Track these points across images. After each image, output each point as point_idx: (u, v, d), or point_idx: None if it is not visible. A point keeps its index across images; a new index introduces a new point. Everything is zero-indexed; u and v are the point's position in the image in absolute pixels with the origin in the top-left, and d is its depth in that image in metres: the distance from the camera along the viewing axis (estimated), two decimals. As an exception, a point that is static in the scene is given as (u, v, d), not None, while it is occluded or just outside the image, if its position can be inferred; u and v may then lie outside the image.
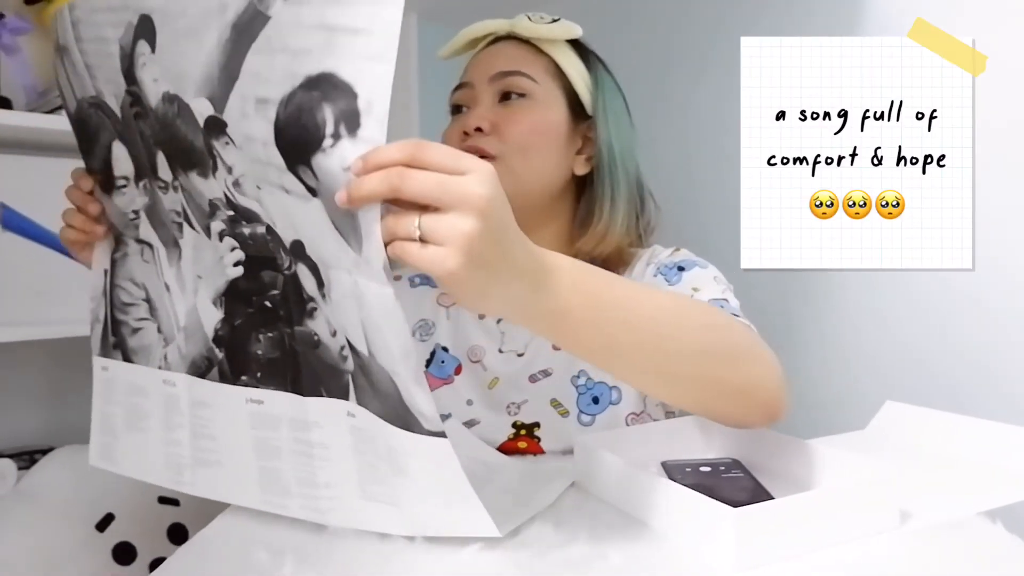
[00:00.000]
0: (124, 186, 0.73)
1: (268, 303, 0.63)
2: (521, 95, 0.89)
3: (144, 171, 0.70)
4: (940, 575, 0.51)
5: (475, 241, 0.48)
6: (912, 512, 0.58)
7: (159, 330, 0.73)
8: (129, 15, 0.63)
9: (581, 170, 0.93)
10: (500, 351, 0.93)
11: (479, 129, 0.86)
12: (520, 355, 0.92)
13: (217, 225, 0.65)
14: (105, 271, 0.78)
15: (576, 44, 0.96)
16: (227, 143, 0.59)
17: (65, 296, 0.87)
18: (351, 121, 0.50)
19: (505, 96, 0.89)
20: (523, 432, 0.87)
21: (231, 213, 0.63)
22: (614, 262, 0.93)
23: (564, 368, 0.89)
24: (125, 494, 1.09)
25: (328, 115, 0.51)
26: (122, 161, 0.72)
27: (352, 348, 0.57)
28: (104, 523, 1.02)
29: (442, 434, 0.53)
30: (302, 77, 0.52)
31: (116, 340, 0.76)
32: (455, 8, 1.74)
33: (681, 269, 0.89)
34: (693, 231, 1.46)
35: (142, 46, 0.63)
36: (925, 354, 1.17)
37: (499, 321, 0.94)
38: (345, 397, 0.59)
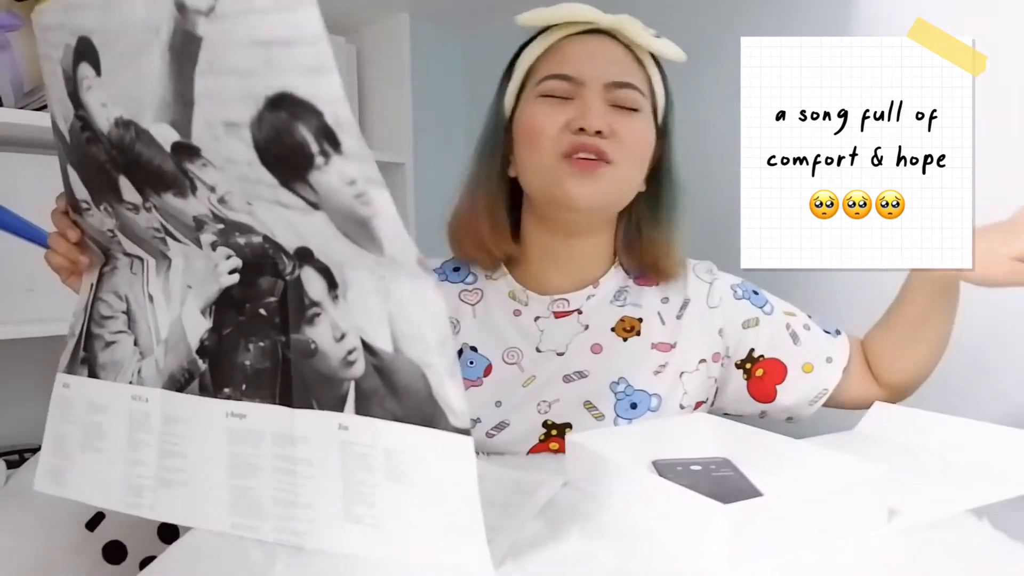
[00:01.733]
0: (88, 208, 0.71)
1: (262, 311, 0.61)
2: (634, 108, 0.88)
3: (102, 195, 0.68)
4: (928, 572, 0.51)
5: None
6: (900, 510, 0.58)
7: (135, 343, 0.70)
8: (66, 36, 0.61)
9: (643, 186, 0.94)
10: (539, 350, 0.92)
11: (598, 132, 0.85)
12: (560, 354, 0.91)
13: (207, 237, 0.63)
14: (91, 285, 0.76)
15: (655, 59, 0.95)
16: (204, 165, 0.57)
17: (54, 294, 0.86)
18: (331, 139, 0.48)
19: (615, 104, 0.88)
20: (555, 432, 0.87)
21: (221, 226, 0.61)
22: (667, 274, 0.95)
23: (602, 372, 0.89)
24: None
25: (306, 134, 0.49)
26: (77, 187, 0.70)
27: (368, 348, 0.55)
28: (94, 522, 1.02)
29: (467, 432, 0.51)
30: (262, 98, 0.50)
31: (85, 355, 0.74)
32: (446, 7, 1.74)
33: (755, 293, 0.97)
34: (695, 231, 1.46)
35: (84, 69, 0.61)
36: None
37: (537, 319, 0.93)
38: (339, 408, 0.57)
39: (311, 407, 0.58)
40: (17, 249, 0.89)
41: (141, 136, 0.59)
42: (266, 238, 0.59)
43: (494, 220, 0.92)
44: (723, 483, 0.64)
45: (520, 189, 0.94)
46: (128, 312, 0.72)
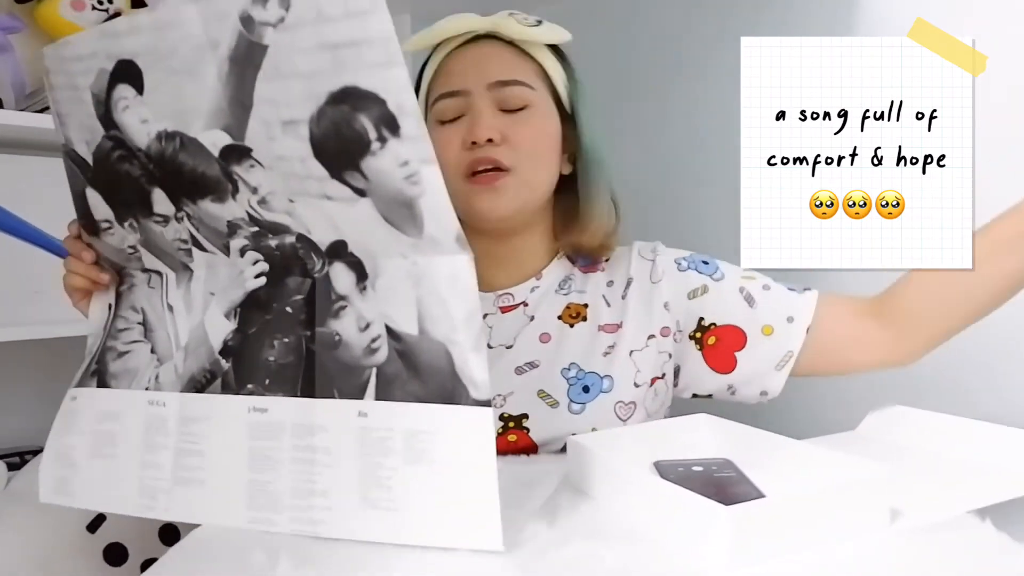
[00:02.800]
0: (109, 228, 0.75)
1: (288, 308, 0.65)
2: (521, 108, 0.88)
3: (129, 212, 0.72)
4: (930, 573, 0.51)
5: None
6: (902, 511, 0.58)
7: (152, 351, 0.73)
8: (100, 62, 0.64)
9: (566, 170, 0.95)
10: (489, 346, 0.92)
11: (490, 140, 0.85)
12: (509, 347, 0.92)
13: (238, 243, 0.67)
14: (109, 305, 0.79)
15: (552, 45, 0.94)
16: (252, 166, 0.61)
17: (58, 296, 0.86)
18: (391, 124, 0.53)
19: (504, 107, 0.88)
20: (511, 425, 0.87)
21: (255, 229, 0.65)
22: (597, 252, 0.96)
23: (552, 360, 0.90)
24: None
25: (366, 123, 0.54)
26: (99, 207, 0.73)
27: (393, 334, 0.59)
28: (95, 524, 1.02)
29: (488, 403, 0.56)
30: (325, 95, 0.55)
31: (96, 368, 0.76)
32: (448, 9, 1.74)
33: (705, 263, 0.94)
34: (696, 230, 1.46)
35: (122, 90, 0.64)
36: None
37: (485, 316, 0.94)
38: (360, 396, 0.60)
39: (332, 396, 0.62)
40: (20, 252, 0.89)
41: (187, 145, 0.63)
42: (299, 237, 0.63)
43: None
44: (725, 484, 0.64)
45: None
46: (144, 322, 0.75)
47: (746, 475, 0.66)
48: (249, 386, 0.66)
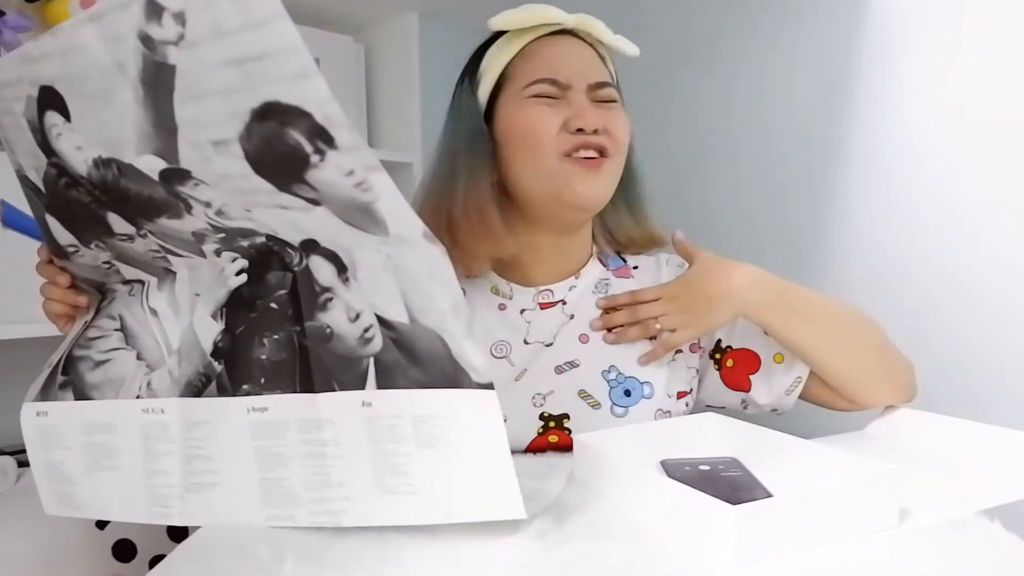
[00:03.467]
0: (76, 251, 0.72)
1: (273, 304, 0.63)
2: (613, 100, 0.91)
3: (91, 235, 0.69)
4: (939, 573, 0.51)
5: (687, 319, 0.86)
6: (911, 511, 0.58)
7: (139, 357, 0.70)
8: (26, 88, 0.61)
9: None
10: (526, 342, 0.92)
11: (596, 131, 0.87)
12: (548, 345, 0.92)
13: (210, 247, 0.65)
14: (85, 323, 0.77)
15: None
16: (196, 184, 0.58)
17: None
18: (324, 137, 0.50)
19: (597, 101, 0.90)
20: (552, 425, 0.87)
21: (222, 235, 0.63)
22: (651, 245, 1.00)
23: (592, 361, 0.90)
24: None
25: (299, 136, 0.51)
26: (60, 232, 0.71)
27: (384, 323, 0.58)
28: (104, 520, 1.02)
29: (491, 386, 0.55)
30: (247, 112, 0.51)
31: (66, 379, 0.73)
32: (455, 6, 1.74)
33: None
34: (699, 229, 1.46)
35: (52, 116, 0.61)
36: (928, 356, 1.16)
37: (523, 311, 0.94)
38: (361, 386, 0.59)
39: (333, 389, 0.61)
40: (22, 248, 0.89)
41: (125, 171, 0.60)
42: (269, 236, 0.61)
43: (491, 225, 0.90)
44: (732, 483, 0.64)
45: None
46: (123, 328, 0.72)
47: (753, 474, 0.66)
48: (245, 387, 0.64)
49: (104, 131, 0.59)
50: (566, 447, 0.85)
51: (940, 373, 1.14)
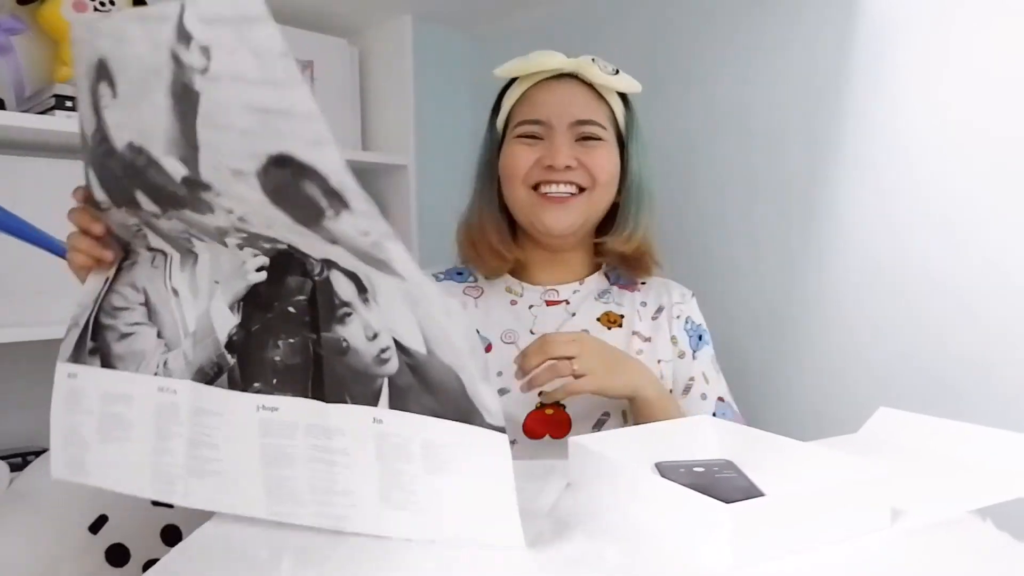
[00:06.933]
0: (108, 208, 0.71)
1: (291, 308, 0.63)
2: (597, 139, 1.02)
3: (122, 202, 0.68)
4: (932, 572, 0.51)
5: (596, 369, 0.89)
6: (904, 510, 0.58)
7: (159, 335, 0.71)
8: (89, 53, 0.62)
9: (618, 197, 1.08)
10: (532, 332, 1.05)
11: (567, 167, 1.00)
12: None
13: (233, 240, 0.65)
14: (107, 279, 0.76)
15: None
16: (218, 195, 0.58)
17: (59, 297, 0.87)
18: (339, 199, 0.50)
19: (580, 138, 1.02)
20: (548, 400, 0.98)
21: (244, 235, 0.63)
22: (636, 269, 1.10)
23: None
24: (118, 495, 1.08)
25: (314, 191, 0.50)
26: (95, 188, 0.70)
27: (402, 348, 0.58)
28: (97, 525, 1.02)
29: (503, 430, 0.55)
30: (265, 156, 0.51)
31: (95, 345, 0.73)
32: (449, 9, 1.74)
33: (700, 338, 1.08)
34: (687, 235, 1.46)
35: (103, 87, 0.61)
36: (920, 360, 1.17)
37: (531, 307, 1.08)
38: (373, 403, 0.60)
39: (344, 402, 0.61)
40: (22, 252, 0.89)
41: (152, 165, 0.60)
42: (291, 246, 0.62)
43: (500, 235, 1.07)
44: (726, 484, 0.64)
45: None
46: (147, 304, 0.72)
47: (747, 476, 0.67)
48: (256, 384, 0.65)
49: (139, 120, 0.59)
50: (561, 420, 0.98)
51: (929, 376, 1.15)
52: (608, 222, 1.09)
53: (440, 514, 0.59)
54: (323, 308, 0.62)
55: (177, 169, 0.58)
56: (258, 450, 0.64)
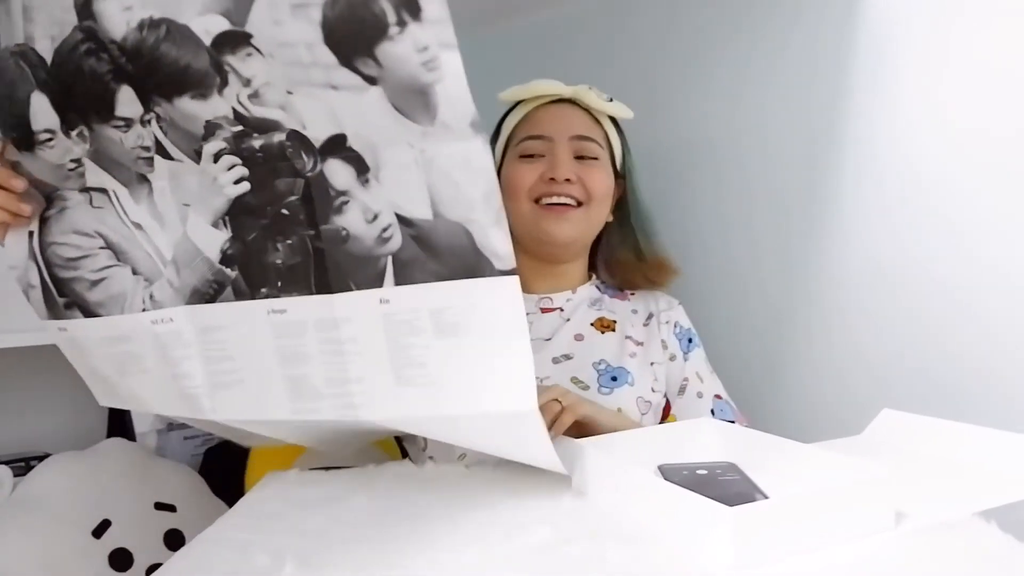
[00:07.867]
0: (49, 139, 0.70)
1: (284, 211, 0.64)
2: (594, 158, 1.07)
3: (82, 117, 0.68)
4: (935, 574, 0.51)
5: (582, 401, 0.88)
6: (907, 513, 0.58)
7: (135, 272, 0.71)
8: None
9: (610, 217, 1.14)
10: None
11: (567, 180, 1.04)
12: (547, 340, 1.05)
13: (213, 146, 0.65)
14: (31, 233, 0.75)
15: (612, 119, 1.14)
16: (249, 54, 0.59)
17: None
18: (411, 6, 0.52)
19: (579, 155, 1.06)
20: None
21: (238, 128, 0.63)
22: (656, 281, 1.14)
23: (585, 355, 1.03)
24: (122, 500, 1.09)
25: (386, 5, 0.52)
26: (41, 114, 0.69)
27: (404, 221, 0.60)
28: (101, 529, 1.02)
29: (514, 272, 0.57)
30: None
31: (68, 300, 0.74)
32: (453, 10, 1.74)
33: (690, 341, 1.12)
34: (687, 236, 1.46)
35: None
36: (920, 360, 1.16)
37: (527, 314, 1.00)
38: (378, 285, 0.61)
39: (349, 289, 0.62)
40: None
41: (173, 34, 0.60)
42: (290, 135, 0.62)
43: None
44: (729, 486, 0.64)
45: None
46: (109, 246, 0.72)
47: (750, 478, 0.66)
48: (263, 290, 0.66)
49: None
50: None
51: (930, 376, 1.15)
52: (598, 242, 1.15)
53: (453, 382, 0.60)
54: (319, 202, 0.63)
55: (213, 26, 0.59)
56: (275, 352, 0.66)
